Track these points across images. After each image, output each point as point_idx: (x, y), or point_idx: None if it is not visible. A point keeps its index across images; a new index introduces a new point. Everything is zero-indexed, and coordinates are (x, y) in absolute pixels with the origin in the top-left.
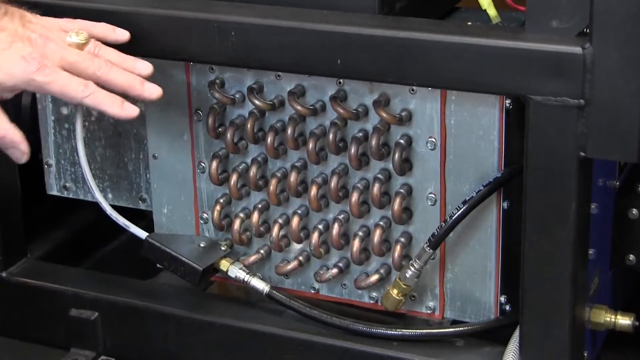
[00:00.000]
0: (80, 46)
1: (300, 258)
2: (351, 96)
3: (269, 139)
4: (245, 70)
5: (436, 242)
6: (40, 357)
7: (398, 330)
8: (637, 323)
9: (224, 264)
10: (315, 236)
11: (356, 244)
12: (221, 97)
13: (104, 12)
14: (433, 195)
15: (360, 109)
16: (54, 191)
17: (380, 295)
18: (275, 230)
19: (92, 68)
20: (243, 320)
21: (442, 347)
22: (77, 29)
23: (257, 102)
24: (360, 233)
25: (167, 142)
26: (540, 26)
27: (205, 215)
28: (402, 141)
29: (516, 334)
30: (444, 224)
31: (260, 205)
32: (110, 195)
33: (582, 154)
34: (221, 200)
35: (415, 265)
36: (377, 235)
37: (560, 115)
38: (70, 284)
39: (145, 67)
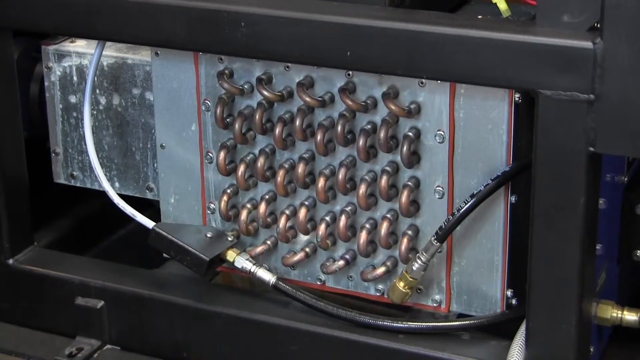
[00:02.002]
0: None
1: (307, 249)
2: (360, 88)
3: (277, 130)
4: (254, 60)
5: (443, 235)
6: (46, 345)
7: (404, 322)
8: None
9: (231, 255)
10: (322, 228)
11: (363, 236)
12: (230, 88)
13: (114, 1)
14: (441, 189)
15: (369, 101)
16: (61, 179)
17: (386, 287)
18: (282, 221)
19: None
20: (249, 310)
21: (448, 340)
22: None
23: (265, 92)
24: (368, 225)
25: (175, 132)
26: (551, 20)
27: (212, 205)
28: (410, 134)
29: (522, 328)
30: (451, 217)
31: (267, 196)
32: (117, 184)
33: (591, 149)
34: (228, 191)
35: (422, 258)
36: (384, 228)
37: (569, 110)
38: (77, 273)
39: None
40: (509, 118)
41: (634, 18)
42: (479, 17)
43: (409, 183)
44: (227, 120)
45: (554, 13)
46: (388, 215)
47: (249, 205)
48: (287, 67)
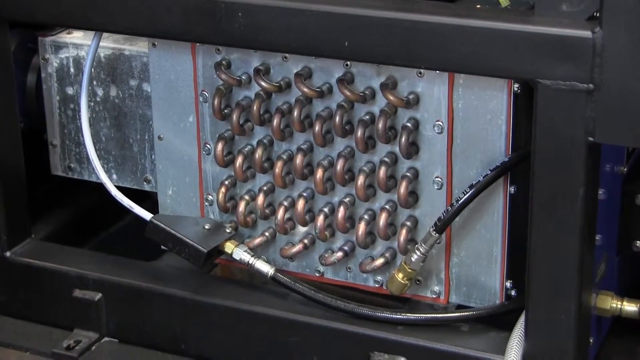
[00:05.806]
0: None
1: (305, 241)
2: (358, 78)
3: (275, 121)
4: (251, 51)
5: (442, 226)
6: (43, 337)
7: (403, 314)
8: None
9: (229, 246)
10: (320, 219)
11: (362, 227)
12: (227, 79)
13: None
14: (439, 179)
15: (367, 92)
16: (58, 171)
17: (385, 279)
18: (280, 212)
19: None
20: (247, 302)
21: (447, 331)
22: None
23: (263, 83)
24: (366, 216)
25: (173, 124)
26: (550, 9)
27: (210, 197)
28: (409, 124)
29: (521, 319)
30: (450, 208)
31: (265, 188)
32: (114, 176)
33: (591, 139)
34: (226, 182)
35: (420, 249)
36: (382, 219)
37: (568, 99)
38: (74, 265)
39: None
40: (508, 108)
41: (633, 7)
42: (478, 6)
43: (408, 174)
44: (225, 111)
45: (553, 2)
46: (387, 206)
47: (247, 197)
48: (285, 57)
